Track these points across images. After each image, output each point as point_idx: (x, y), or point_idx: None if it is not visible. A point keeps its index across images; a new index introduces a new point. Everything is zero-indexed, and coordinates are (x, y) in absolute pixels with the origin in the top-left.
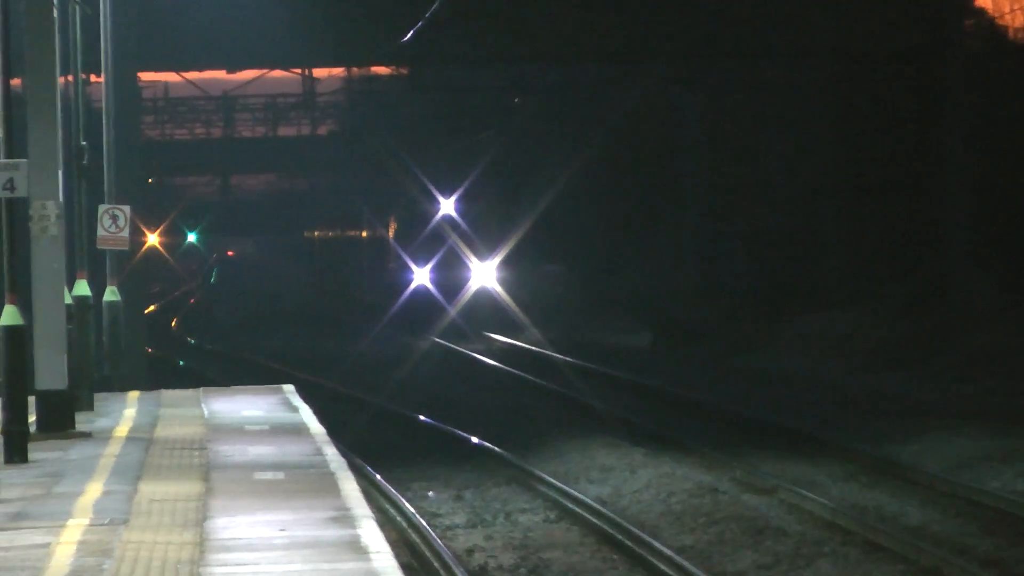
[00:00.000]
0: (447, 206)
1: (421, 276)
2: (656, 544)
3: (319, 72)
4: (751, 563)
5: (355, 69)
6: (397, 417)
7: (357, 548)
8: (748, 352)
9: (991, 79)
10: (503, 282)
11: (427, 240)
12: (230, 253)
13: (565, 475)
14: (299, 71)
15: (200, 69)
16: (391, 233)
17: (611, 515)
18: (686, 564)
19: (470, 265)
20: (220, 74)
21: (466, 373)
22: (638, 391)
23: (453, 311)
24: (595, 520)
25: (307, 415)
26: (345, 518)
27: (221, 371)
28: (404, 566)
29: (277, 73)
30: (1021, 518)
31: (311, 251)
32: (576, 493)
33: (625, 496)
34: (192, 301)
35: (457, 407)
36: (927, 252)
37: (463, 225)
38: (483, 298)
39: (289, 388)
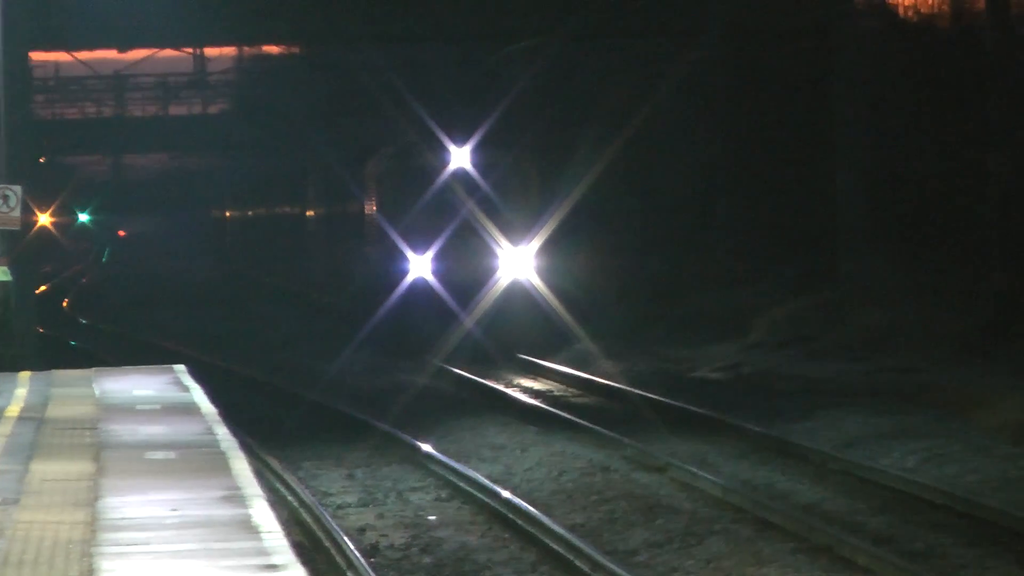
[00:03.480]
0: (460, 157)
1: (419, 266)
2: (547, 522)
3: (211, 51)
4: (643, 541)
5: (246, 48)
6: (286, 396)
7: (248, 527)
8: (635, 333)
9: (882, 58)
10: (546, 274)
11: (429, 212)
12: (121, 233)
13: (458, 453)
14: (190, 50)
15: (91, 48)
16: (372, 205)
17: (502, 493)
18: (577, 542)
19: (496, 250)
20: (111, 53)
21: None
22: (534, 369)
23: (469, 319)
24: (486, 498)
25: (198, 395)
26: (237, 497)
27: (113, 351)
28: (296, 545)
29: (168, 52)
30: (911, 495)
31: (220, 232)
32: (467, 472)
33: (516, 474)
34: (84, 281)
35: (346, 386)
36: (820, 232)
37: (485, 187)
38: (516, 298)
39: (180, 368)
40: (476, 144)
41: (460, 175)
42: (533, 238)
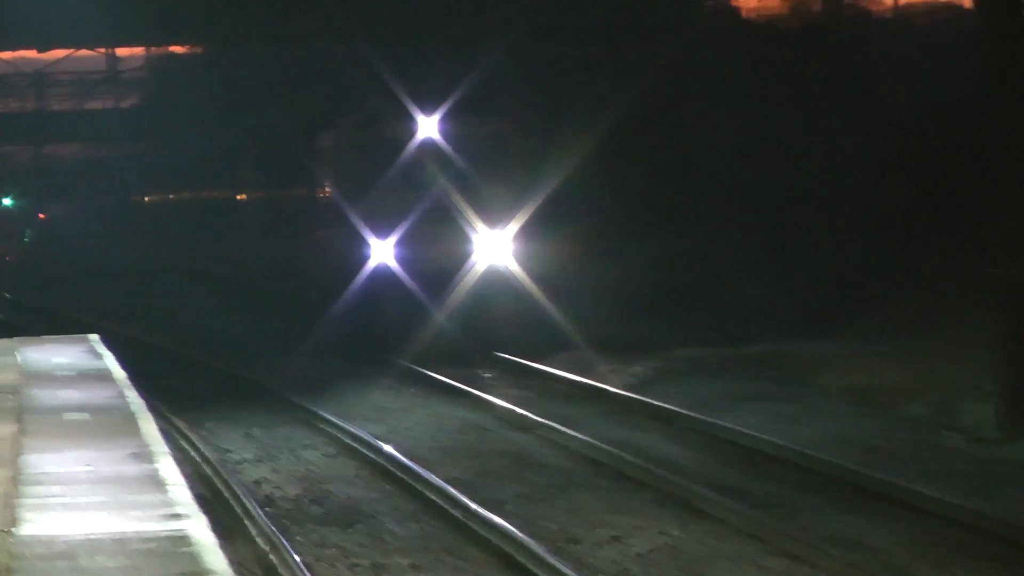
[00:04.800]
0: (428, 127)
1: (381, 252)
2: (427, 475)
3: (122, 51)
4: (513, 493)
5: (154, 48)
6: (189, 361)
7: (155, 481)
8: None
9: (729, 57)
10: (526, 260)
11: (392, 190)
12: (41, 216)
13: (345, 414)
14: (104, 50)
15: (13, 49)
16: (326, 183)
17: (385, 449)
18: (454, 493)
19: (471, 233)
20: (32, 53)
21: None
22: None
23: (440, 312)
24: (371, 454)
25: (111, 362)
26: (145, 454)
27: (35, 323)
28: (198, 497)
29: (84, 52)
30: (756, 450)
31: (139, 216)
32: (354, 429)
33: (398, 432)
34: (8, 259)
35: (245, 351)
36: (680, 215)
37: (459, 161)
38: (494, 287)
39: (94, 338)
40: (448, 113)
41: (429, 148)
42: (512, 221)
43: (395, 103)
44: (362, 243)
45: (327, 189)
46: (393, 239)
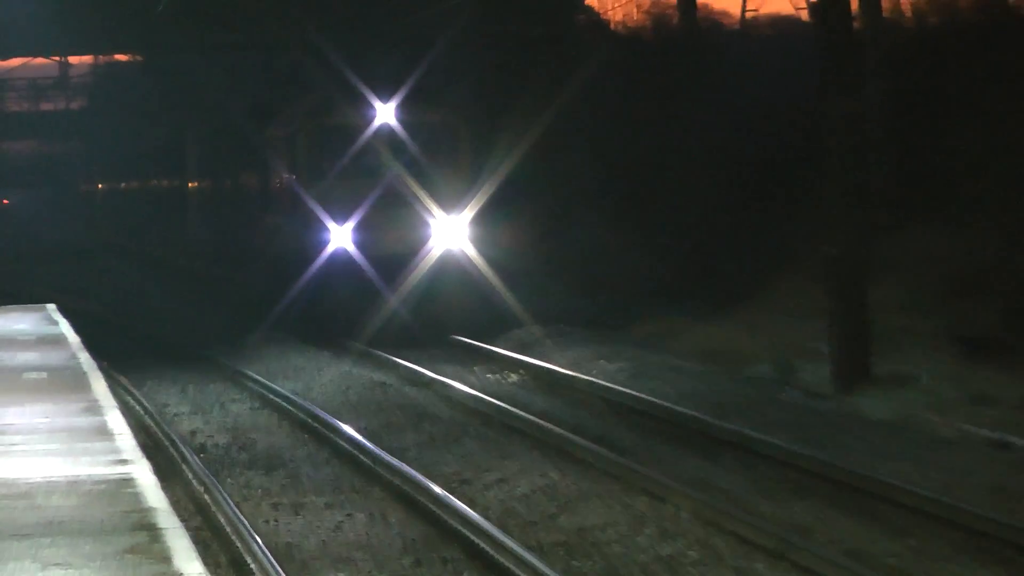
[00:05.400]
0: (386, 113)
1: (340, 237)
2: (339, 426)
3: (73, 59)
4: (412, 441)
5: (101, 57)
6: (132, 329)
7: (104, 431)
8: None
9: (601, 65)
10: (483, 245)
11: (349, 176)
12: (4, 201)
13: (268, 373)
14: (56, 58)
15: None
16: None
17: (302, 403)
18: (362, 440)
19: (428, 219)
20: None
21: None
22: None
23: (395, 297)
24: (290, 408)
25: (66, 328)
26: (95, 408)
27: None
28: (141, 445)
29: (39, 60)
30: (621, 403)
31: (91, 203)
32: (276, 386)
33: (314, 389)
34: None
35: (182, 322)
36: (552, 196)
37: (413, 148)
38: (450, 271)
39: (51, 307)
40: (404, 99)
41: (385, 134)
42: (467, 206)
43: (348, 89)
44: (315, 229)
45: (282, 176)
46: (351, 225)
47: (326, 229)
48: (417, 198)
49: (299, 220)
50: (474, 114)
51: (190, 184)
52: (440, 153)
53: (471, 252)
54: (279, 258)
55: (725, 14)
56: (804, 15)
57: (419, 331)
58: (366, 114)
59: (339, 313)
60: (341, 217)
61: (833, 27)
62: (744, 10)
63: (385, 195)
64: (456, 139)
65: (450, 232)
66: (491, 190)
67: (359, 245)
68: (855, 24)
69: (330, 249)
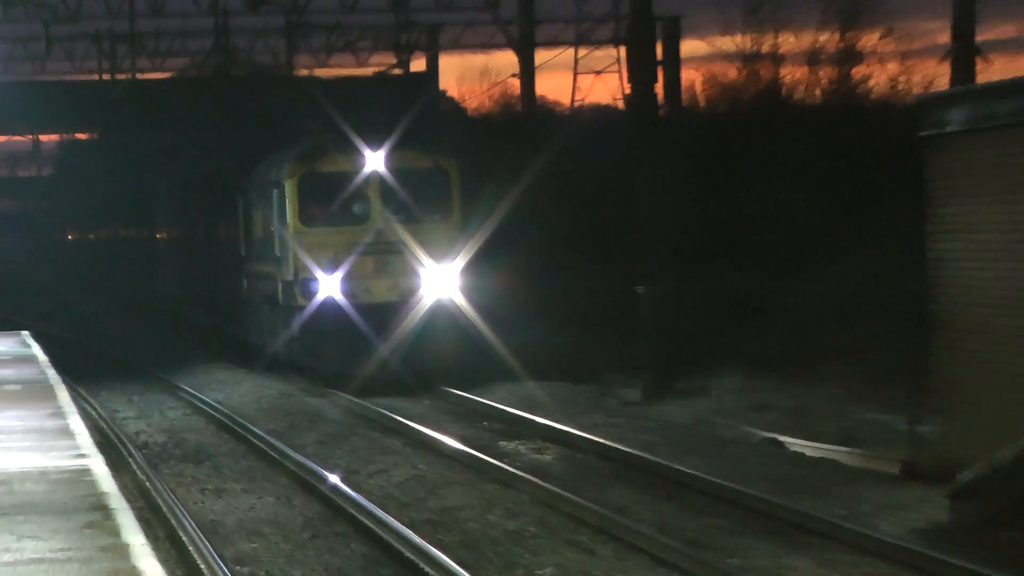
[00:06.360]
0: (375, 161)
1: (328, 286)
2: (253, 428)
3: (43, 136)
4: (312, 439)
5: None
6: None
7: (67, 432)
8: None
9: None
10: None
11: (337, 223)
12: None
13: (197, 386)
14: (30, 136)
15: None
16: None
17: (224, 410)
18: (271, 440)
19: (418, 268)
20: None
21: None
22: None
23: (384, 347)
24: (214, 413)
25: (37, 350)
26: (60, 413)
27: None
28: (96, 443)
29: (17, 137)
30: (478, 410)
31: (62, 250)
32: (203, 396)
33: (233, 398)
34: None
35: (130, 341)
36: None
37: (403, 195)
38: (441, 322)
39: (25, 333)
40: (393, 146)
41: (375, 182)
42: (457, 256)
43: (339, 136)
44: (303, 278)
45: (267, 223)
46: (339, 274)
47: (315, 278)
48: (407, 247)
49: (285, 268)
50: (463, 168)
51: (158, 235)
52: (431, 205)
53: (461, 301)
54: (265, 305)
55: (557, 103)
56: (620, 104)
57: (411, 380)
58: (356, 161)
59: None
60: (330, 267)
61: (641, 114)
62: (573, 100)
63: (374, 243)
64: (445, 185)
65: (441, 282)
66: (488, 239)
67: (347, 294)
68: (660, 112)
69: (319, 298)
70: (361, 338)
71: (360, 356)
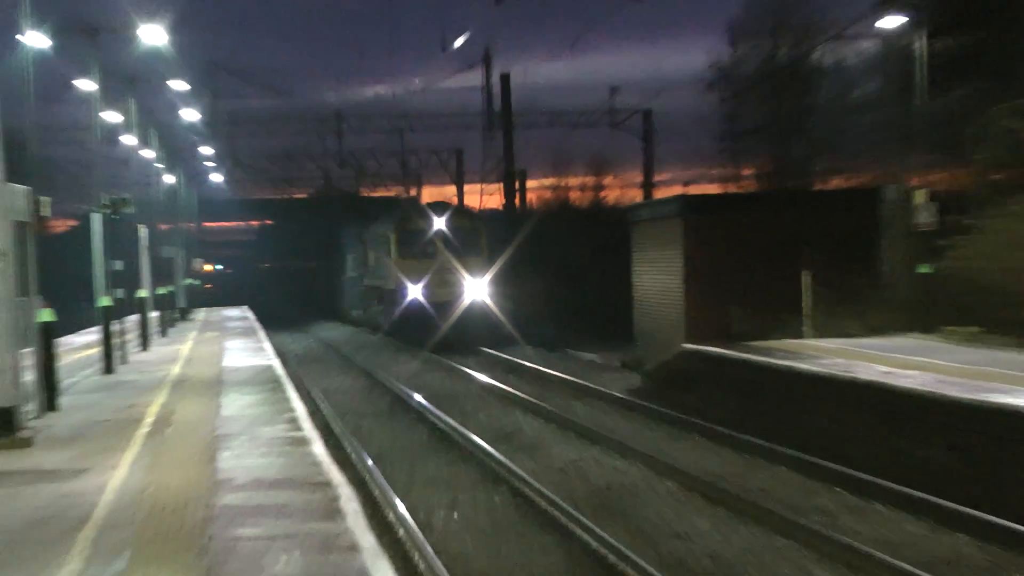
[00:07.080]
0: (439, 223)
1: (413, 291)
2: (338, 347)
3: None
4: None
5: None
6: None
7: (264, 349)
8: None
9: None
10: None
11: (418, 256)
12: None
13: (317, 332)
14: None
15: None
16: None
17: (328, 342)
18: (349, 354)
19: (463, 282)
20: None
21: None
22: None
23: (444, 325)
24: (328, 344)
25: (247, 311)
26: (261, 341)
27: None
28: (276, 354)
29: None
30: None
31: (260, 273)
32: (320, 336)
33: (336, 338)
34: None
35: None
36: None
37: (454, 241)
38: (476, 312)
39: (245, 307)
40: (448, 215)
41: (439, 234)
42: (487, 273)
43: (419, 209)
44: (400, 287)
45: (379, 256)
46: (421, 284)
47: (406, 287)
48: (457, 270)
49: (389, 281)
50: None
51: (310, 264)
52: (470, 243)
53: (489, 301)
54: (375, 301)
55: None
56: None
57: (457, 345)
58: (429, 222)
59: (413, 333)
60: (414, 280)
61: (510, 211)
62: (480, 204)
63: (438, 268)
64: (479, 235)
65: (476, 290)
66: (507, 265)
67: (424, 296)
68: (517, 208)
69: (408, 299)
70: (431, 321)
71: (429, 332)
